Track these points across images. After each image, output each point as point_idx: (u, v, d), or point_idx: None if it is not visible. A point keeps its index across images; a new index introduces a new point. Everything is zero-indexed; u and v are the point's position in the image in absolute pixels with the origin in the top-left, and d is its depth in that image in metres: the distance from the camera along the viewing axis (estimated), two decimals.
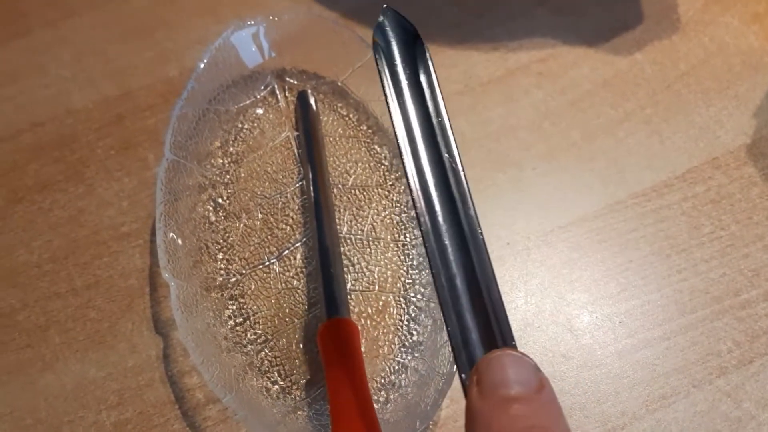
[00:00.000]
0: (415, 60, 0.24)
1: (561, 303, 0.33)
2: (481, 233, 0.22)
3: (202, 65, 0.35)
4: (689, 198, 0.36)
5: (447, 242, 0.21)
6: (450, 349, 0.30)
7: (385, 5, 0.24)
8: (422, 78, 0.23)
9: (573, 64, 0.40)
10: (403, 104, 0.23)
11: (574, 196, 0.36)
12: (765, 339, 0.33)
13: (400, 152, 0.22)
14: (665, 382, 0.32)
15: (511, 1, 0.42)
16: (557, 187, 0.36)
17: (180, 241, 0.31)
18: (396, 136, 0.22)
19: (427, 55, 0.24)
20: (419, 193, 0.22)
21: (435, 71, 0.24)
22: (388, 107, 0.23)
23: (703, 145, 0.38)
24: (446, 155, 0.22)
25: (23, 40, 0.40)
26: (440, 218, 0.22)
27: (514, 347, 0.20)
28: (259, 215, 0.35)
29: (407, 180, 0.22)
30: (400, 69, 0.23)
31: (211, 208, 0.35)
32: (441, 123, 0.23)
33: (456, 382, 0.31)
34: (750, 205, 0.36)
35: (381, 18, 0.24)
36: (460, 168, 0.22)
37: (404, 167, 0.22)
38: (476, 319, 0.20)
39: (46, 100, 0.38)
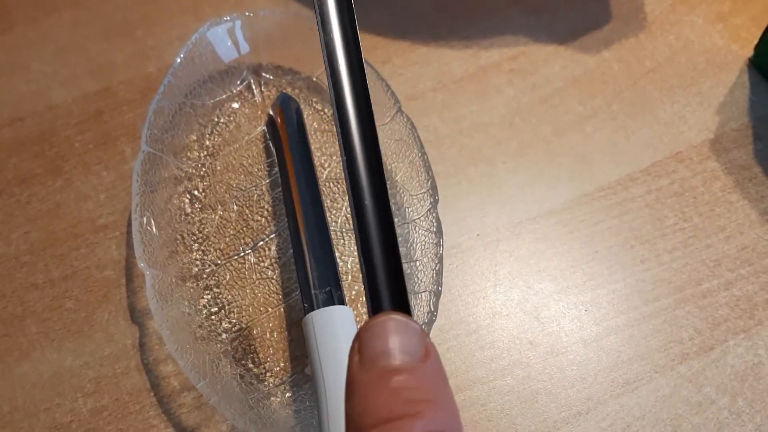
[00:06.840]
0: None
1: (529, 292, 0.34)
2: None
3: (178, 60, 0.36)
4: (653, 191, 0.37)
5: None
6: None
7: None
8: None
9: (544, 62, 0.41)
10: None
11: (542, 190, 0.37)
12: (725, 327, 0.34)
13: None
14: (629, 368, 0.33)
15: (486, 2, 0.43)
16: (527, 181, 0.37)
17: (155, 231, 0.32)
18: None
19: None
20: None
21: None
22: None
23: (668, 140, 0.39)
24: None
25: (6, 37, 0.41)
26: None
27: (405, 311, 0.18)
28: (235, 207, 0.36)
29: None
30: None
31: (187, 200, 0.35)
32: None
33: None
34: (712, 197, 0.37)
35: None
36: None
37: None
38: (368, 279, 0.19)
39: (27, 96, 0.39)
